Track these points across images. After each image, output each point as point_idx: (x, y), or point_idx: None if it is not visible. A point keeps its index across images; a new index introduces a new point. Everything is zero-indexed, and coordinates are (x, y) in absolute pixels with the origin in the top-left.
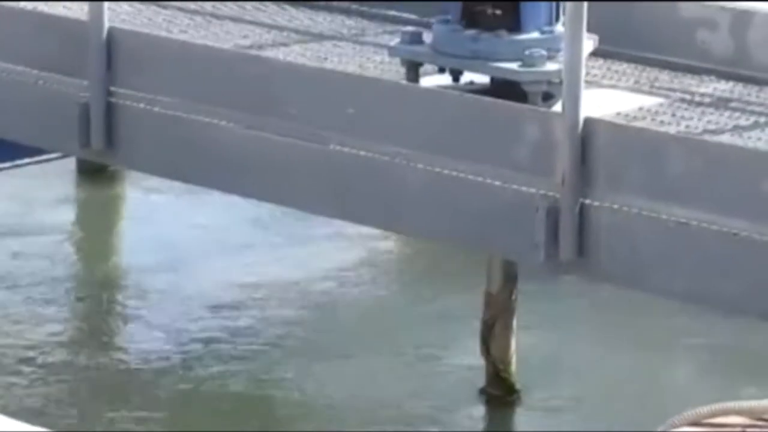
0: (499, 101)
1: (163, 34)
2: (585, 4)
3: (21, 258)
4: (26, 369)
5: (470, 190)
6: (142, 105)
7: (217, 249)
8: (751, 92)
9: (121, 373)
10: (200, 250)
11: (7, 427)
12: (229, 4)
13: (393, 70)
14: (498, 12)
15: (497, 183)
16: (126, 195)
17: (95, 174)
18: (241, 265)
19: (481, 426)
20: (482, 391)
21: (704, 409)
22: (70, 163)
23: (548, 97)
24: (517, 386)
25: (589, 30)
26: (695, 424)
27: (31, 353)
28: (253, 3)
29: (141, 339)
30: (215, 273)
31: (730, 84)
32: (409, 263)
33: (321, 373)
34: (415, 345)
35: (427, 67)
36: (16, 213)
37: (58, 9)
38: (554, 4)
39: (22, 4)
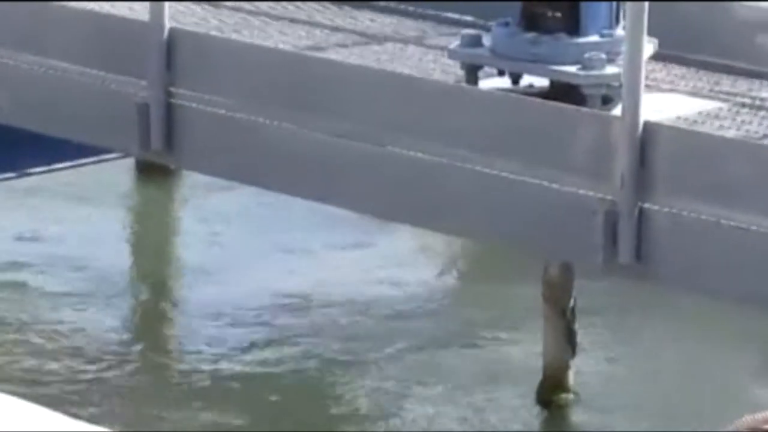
0: (559, 104)
1: (222, 35)
2: (646, 6)
3: (82, 255)
4: (83, 367)
5: (529, 192)
6: (201, 106)
7: (273, 250)
8: None
9: (178, 371)
10: (255, 251)
11: (68, 426)
12: (287, 4)
13: (452, 73)
14: (558, 15)
15: (556, 186)
16: (184, 195)
17: (154, 174)
18: (301, 267)
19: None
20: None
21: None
22: (129, 162)
23: (607, 101)
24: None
25: (648, 33)
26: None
27: (88, 351)
28: (312, 4)
29: (199, 337)
30: (271, 274)
31: None
32: (471, 264)
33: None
34: (485, 346)
35: (486, 69)
36: (76, 212)
37: (120, 9)
38: (614, 7)
39: (82, 4)
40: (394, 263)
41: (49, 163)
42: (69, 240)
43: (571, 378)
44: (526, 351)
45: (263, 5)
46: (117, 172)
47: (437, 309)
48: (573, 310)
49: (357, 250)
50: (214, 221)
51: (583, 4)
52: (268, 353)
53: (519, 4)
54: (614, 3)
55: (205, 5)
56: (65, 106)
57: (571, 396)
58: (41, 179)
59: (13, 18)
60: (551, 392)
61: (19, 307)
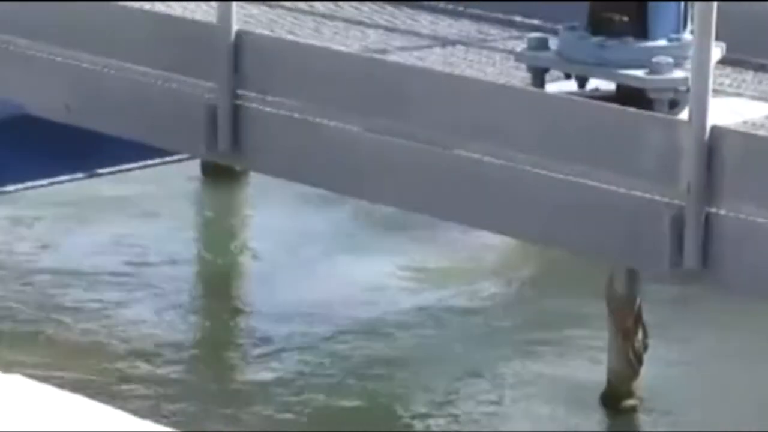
0: (625, 108)
1: (289, 36)
2: (714, 9)
3: (147, 255)
4: (149, 367)
5: (594, 197)
6: (268, 108)
7: (337, 251)
8: None
9: (244, 371)
10: (320, 252)
11: (133, 426)
12: (351, 7)
13: (518, 76)
14: (625, 19)
15: (622, 190)
16: (251, 197)
17: (220, 175)
18: (365, 267)
19: None
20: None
21: None
22: (196, 164)
23: (674, 105)
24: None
25: (716, 38)
26: None
27: (155, 351)
28: (377, 6)
29: (267, 338)
30: (336, 274)
31: None
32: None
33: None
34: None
35: (552, 72)
36: (143, 213)
37: (188, 12)
38: (682, 11)
39: (149, 4)
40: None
41: (117, 164)
42: (135, 239)
43: (637, 387)
44: (591, 359)
45: (318, 5)
46: (183, 173)
47: (501, 314)
48: (639, 319)
49: (419, 251)
50: (278, 222)
51: (650, 8)
52: (333, 357)
53: (586, 7)
54: (682, 7)
55: (261, 5)
56: (133, 107)
57: (636, 403)
58: (109, 180)
59: (82, 19)
60: (616, 401)
61: (78, 310)
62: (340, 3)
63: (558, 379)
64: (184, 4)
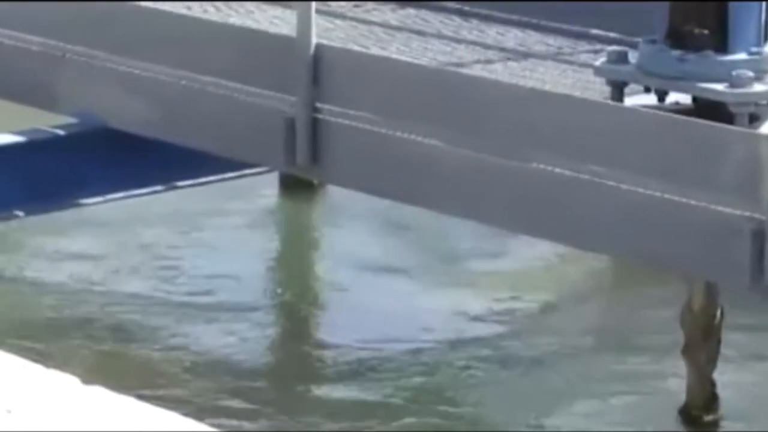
0: (705, 122)
1: (368, 50)
2: None
3: (222, 268)
4: (227, 378)
5: (674, 211)
6: (346, 121)
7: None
8: None
9: (325, 383)
10: (402, 265)
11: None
12: (430, 19)
13: (597, 90)
14: (705, 32)
15: (702, 205)
16: (329, 209)
17: (298, 188)
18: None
19: None
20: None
21: None
22: (274, 177)
23: (755, 119)
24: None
25: None
26: None
27: (233, 364)
28: (454, 19)
29: (346, 354)
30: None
31: None
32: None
33: None
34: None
35: (632, 86)
36: (220, 226)
37: (267, 25)
38: (763, 25)
39: (231, 19)
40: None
41: (195, 177)
42: (211, 251)
43: (716, 402)
44: (671, 370)
45: (389, 16)
46: (261, 186)
47: (581, 324)
48: (716, 334)
49: (502, 261)
50: (356, 234)
51: (731, 21)
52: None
53: (665, 21)
54: (763, 20)
55: (336, 20)
56: (212, 120)
57: (715, 419)
58: (188, 192)
59: (163, 33)
60: (695, 415)
61: (159, 319)
62: (411, 16)
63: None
64: (263, 17)
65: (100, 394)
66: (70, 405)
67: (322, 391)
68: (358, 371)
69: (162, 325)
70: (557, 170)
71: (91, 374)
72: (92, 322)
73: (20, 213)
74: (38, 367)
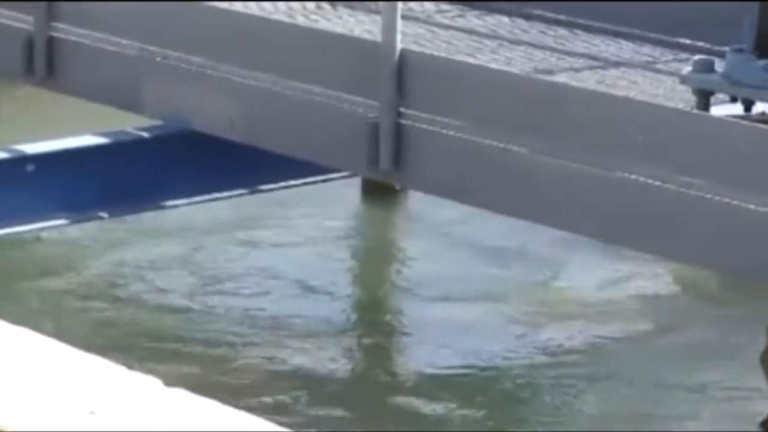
0: None
1: (452, 56)
2: None
3: (304, 272)
4: (308, 384)
5: (758, 222)
6: (431, 127)
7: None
8: None
9: (405, 392)
10: (483, 273)
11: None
12: (515, 26)
13: (682, 98)
14: None
15: None
16: (411, 215)
17: (380, 194)
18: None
19: None
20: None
21: None
22: (356, 182)
23: None
24: None
25: None
26: None
27: (312, 371)
28: (522, 23)
29: (431, 361)
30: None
31: None
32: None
33: None
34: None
35: (718, 95)
36: (302, 231)
37: (352, 30)
38: None
39: (315, 24)
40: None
41: (279, 181)
42: (289, 254)
43: None
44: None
45: (474, 23)
46: (343, 191)
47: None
48: None
49: (596, 268)
50: (438, 240)
51: None
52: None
53: (753, 30)
54: None
55: (435, 26)
56: (296, 124)
57: None
58: (270, 196)
59: (248, 36)
60: None
61: (245, 328)
62: (496, 22)
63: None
64: (345, 21)
65: (182, 396)
66: (153, 407)
67: (405, 404)
68: (441, 386)
69: (246, 334)
70: (644, 180)
71: (175, 379)
72: (179, 330)
73: (104, 215)
74: (122, 369)
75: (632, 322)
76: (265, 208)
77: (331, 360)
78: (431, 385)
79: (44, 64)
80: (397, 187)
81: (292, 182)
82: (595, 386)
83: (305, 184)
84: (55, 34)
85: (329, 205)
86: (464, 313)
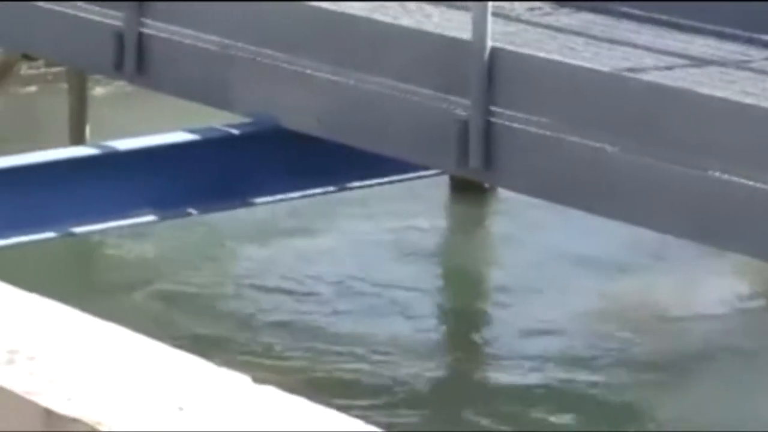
0: None
1: (542, 54)
2: None
3: (394, 267)
4: (394, 388)
5: None
6: (521, 125)
7: (589, 272)
8: None
9: (494, 388)
10: (570, 272)
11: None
12: (607, 24)
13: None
14: None
15: None
16: (499, 213)
17: (468, 191)
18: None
19: None
20: None
21: None
22: (444, 179)
23: None
24: None
25: None
26: None
27: (396, 372)
28: (609, 21)
29: (521, 358)
30: (587, 296)
31: None
32: None
33: None
34: None
35: None
36: (391, 228)
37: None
38: None
39: (406, 21)
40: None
41: (367, 178)
42: (380, 258)
43: None
44: None
45: (564, 21)
46: (431, 188)
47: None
48: None
49: (672, 270)
50: (528, 239)
51: None
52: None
53: None
54: None
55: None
56: (384, 122)
57: None
58: (356, 193)
59: (335, 33)
60: None
61: (328, 320)
62: (587, 20)
63: None
64: (439, 19)
65: (271, 394)
66: (241, 404)
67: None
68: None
69: (339, 332)
70: (735, 179)
71: (265, 377)
72: (282, 327)
73: (193, 211)
74: (210, 365)
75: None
76: (349, 206)
77: (425, 364)
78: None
79: (134, 61)
80: (486, 186)
81: (380, 180)
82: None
83: (393, 181)
84: (145, 30)
85: (417, 202)
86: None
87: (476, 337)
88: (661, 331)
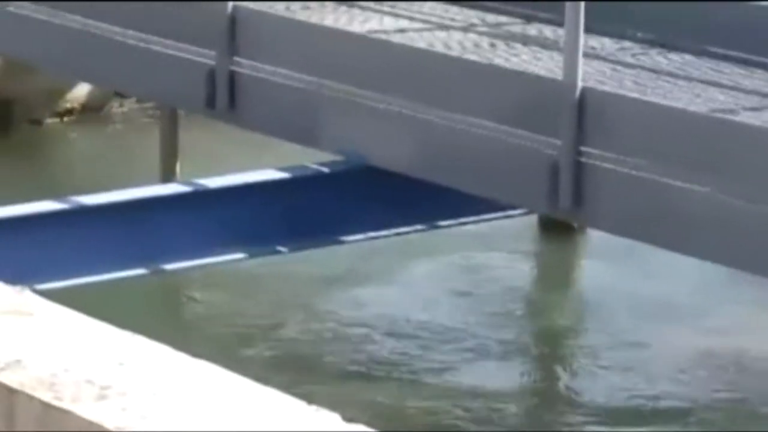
0: None
1: (632, 94)
2: None
3: (474, 306)
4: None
5: None
6: (611, 165)
7: (669, 313)
8: None
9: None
10: (650, 313)
11: None
12: (701, 65)
13: None
14: None
15: None
16: (587, 253)
17: (557, 231)
18: (702, 331)
19: None
20: None
21: None
22: (532, 219)
23: None
24: None
25: None
26: None
27: (485, 406)
28: (713, 64)
29: (601, 400)
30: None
31: None
32: None
33: None
34: None
35: None
36: (477, 267)
37: (527, 66)
38: None
39: (496, 60)
40: None
41: (457, 217)
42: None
43: None
44: None
45: (656, 61)
46: (520, 228)
47: None
48: None
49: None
50: (618, 279)
51: None
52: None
53: None
54: None
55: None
56: (474, 161)
57: None
58: (448, 232)
59: (425, 73)
60: None
61: (411, 352)
62: (679, 61)
63: None
64: (528, 59)
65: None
66: None
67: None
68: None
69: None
70: None
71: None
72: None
73: (283, 249)
74: (301, 404)
75: None
76: (440, 243)
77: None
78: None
79: (226, 98)
80: (576, 226)
81: (469, 218)
82: None
83: (482, 220)
84: (236, 68)
85: (507, 242)
86: None
87: (564, 384)
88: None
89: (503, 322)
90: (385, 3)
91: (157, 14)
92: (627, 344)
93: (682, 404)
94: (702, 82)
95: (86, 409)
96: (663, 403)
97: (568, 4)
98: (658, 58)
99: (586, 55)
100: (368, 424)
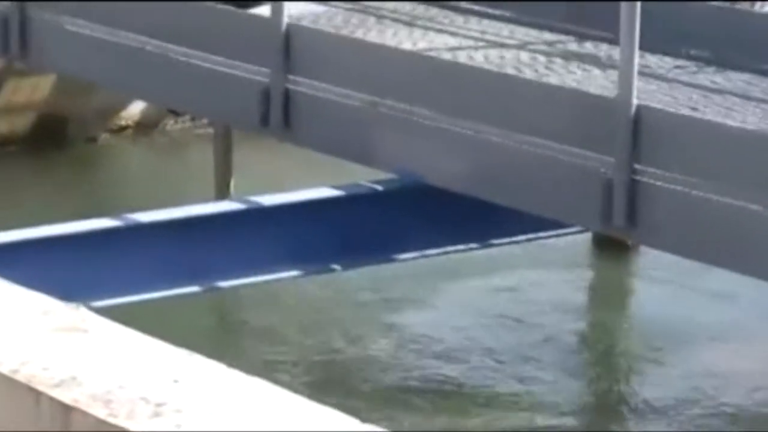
0: None
1: (686, 112)
2: None
3: (526, 327)
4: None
5: None
6: (665, 183)
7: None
8: None
9: None
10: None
11: None
12: (755, 84)
13: None
14: None
15: None
16: (641, 272)
17: (611, 248)
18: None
19: None
20: None
21: None
22: (586, 236)
23: None
24: None
25: None
26: None
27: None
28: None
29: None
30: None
31: None
32: None
33: None
34: None
35: None
36: (531, 285)
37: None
38: None
39: (551, 78)
40: None
41: (511, 235)
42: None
43: None
44: None
45: (710, 78)
46: (574, 245)
47: None
48: None
49: None
50: (671, 300)
51: None
52: None
53: None
54: None
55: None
56: (528, 179)
57: None
58: (502, 250)
59: (477, 90)
60: None
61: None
62: (723, 78)
63: None
64: (581, 77)
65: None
66: None
67: None
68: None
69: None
70: None
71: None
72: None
73: (337, 267)
74: (354, 421)
75: None
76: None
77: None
78: None
79: (280, 117)
80: (630, 244)
81: (523, 237)
82: None
83: (536, 238)
84: (290, 86)
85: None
86: None
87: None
88: None
89: (558, 345)
90: (439, 21)
91: (211, 32)
92: (697, 374)
93: None
94: (757, 100)
95: (141, 426)
96: None
97: (623, 21)
98: (712, 76)
99: (641, 73)
100: None
